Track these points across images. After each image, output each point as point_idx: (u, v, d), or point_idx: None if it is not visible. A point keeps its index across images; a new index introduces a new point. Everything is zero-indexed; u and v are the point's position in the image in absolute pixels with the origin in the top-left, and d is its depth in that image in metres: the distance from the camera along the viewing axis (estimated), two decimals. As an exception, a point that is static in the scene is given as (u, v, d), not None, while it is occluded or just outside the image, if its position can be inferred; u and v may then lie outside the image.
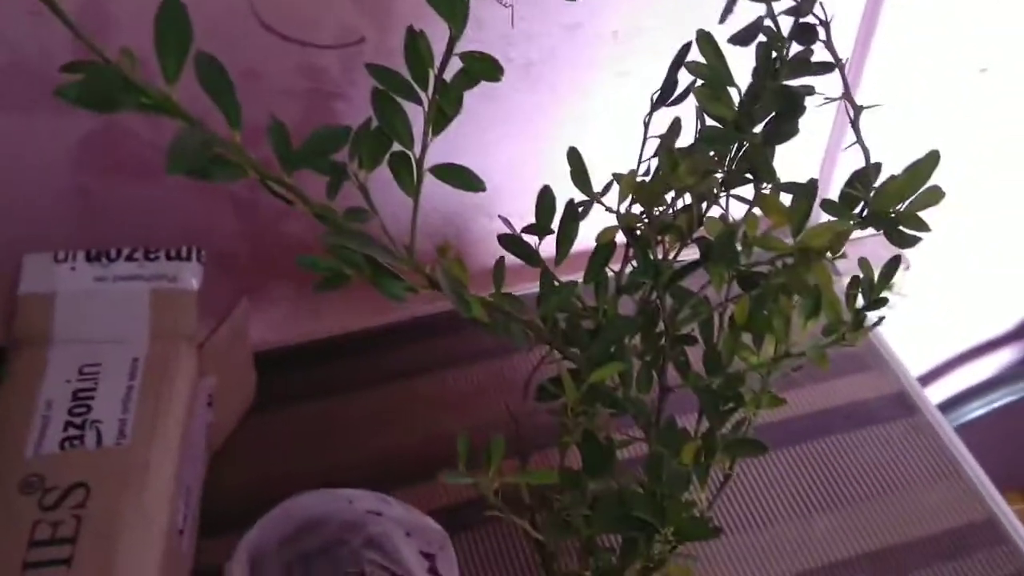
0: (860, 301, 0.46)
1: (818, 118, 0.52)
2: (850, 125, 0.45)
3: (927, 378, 1.12)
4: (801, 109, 0.45)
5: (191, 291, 0.59)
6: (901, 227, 0.41)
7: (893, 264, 0.45)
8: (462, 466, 0.38)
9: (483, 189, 0.41)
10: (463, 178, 0.41)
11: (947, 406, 1.09)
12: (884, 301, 0.45)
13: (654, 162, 0.49)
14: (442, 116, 0.40)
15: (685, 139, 0.50)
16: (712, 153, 0.45)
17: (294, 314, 0.76)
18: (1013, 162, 0.94)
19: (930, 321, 1.05)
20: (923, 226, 0.41)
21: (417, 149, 0.41)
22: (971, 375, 1.14)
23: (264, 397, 0.70)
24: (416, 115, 0.42)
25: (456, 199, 0.74)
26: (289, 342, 0.74)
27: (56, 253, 0.59)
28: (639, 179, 0.48)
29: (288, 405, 0.70)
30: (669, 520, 0.35)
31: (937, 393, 1.12)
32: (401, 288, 0.40)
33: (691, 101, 0.49)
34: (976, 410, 1.09)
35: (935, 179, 0.42)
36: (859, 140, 0.44)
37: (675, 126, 0.49)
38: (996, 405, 1.09)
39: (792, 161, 0.51)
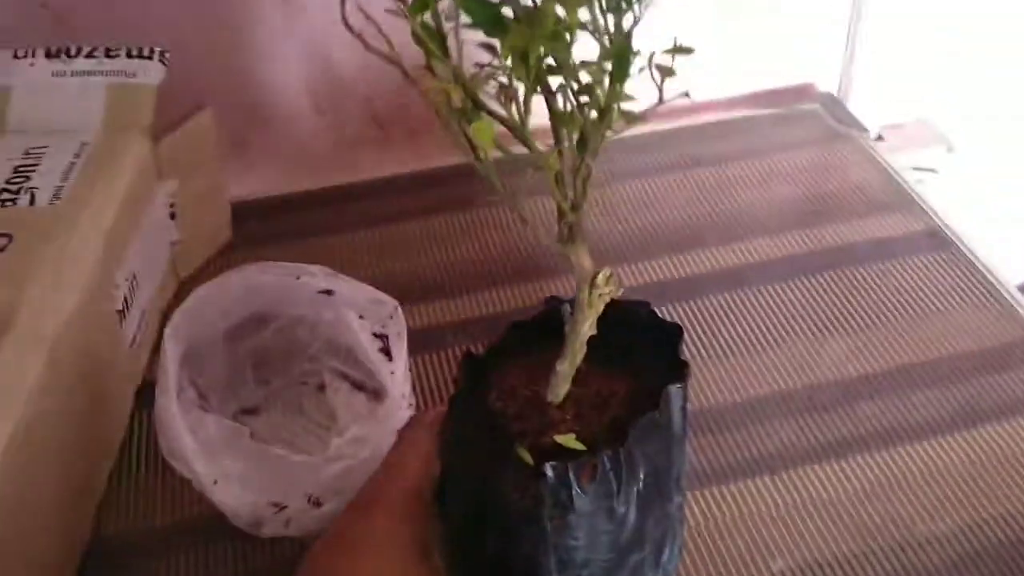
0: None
1: None
2: None
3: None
4: None
5: (149, 86, 0.57)
6: None
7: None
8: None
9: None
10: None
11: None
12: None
13: None
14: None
15: None
16: None
17: (278, 172, 0.73)
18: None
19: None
20: None
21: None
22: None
23: (240, 240, 0.67)
24: None
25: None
26: (269, 194, 0.71)
27: (16, 50, 0.58)
28: None
29: (265, 244, 0.66)
30: None
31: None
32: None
33: None
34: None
35: None
36: None
37: None
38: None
39: None
